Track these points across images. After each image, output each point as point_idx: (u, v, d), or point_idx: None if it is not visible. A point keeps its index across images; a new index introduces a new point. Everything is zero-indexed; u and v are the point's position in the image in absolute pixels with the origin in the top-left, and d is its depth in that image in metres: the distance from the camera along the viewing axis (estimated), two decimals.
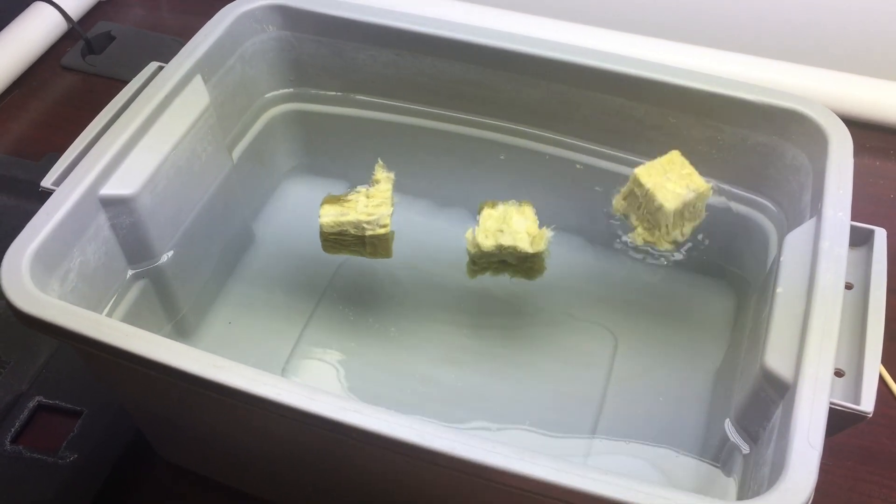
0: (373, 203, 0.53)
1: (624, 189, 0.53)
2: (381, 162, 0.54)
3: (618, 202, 0.54)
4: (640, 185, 0.52)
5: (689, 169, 0.51)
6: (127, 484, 0.53)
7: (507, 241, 0.51)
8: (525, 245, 0.51)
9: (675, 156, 0.52)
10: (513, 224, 0.52)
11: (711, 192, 0.51)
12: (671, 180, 0.51)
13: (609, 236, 0.61)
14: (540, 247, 0.51)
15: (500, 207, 0.53)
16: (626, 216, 0.54)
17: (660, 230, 0.51)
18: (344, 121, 0.62)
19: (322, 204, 0.52)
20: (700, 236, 0.56)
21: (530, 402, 0.54)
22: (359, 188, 0.53)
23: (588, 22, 0.80)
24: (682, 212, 0.51)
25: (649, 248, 0.53)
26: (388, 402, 0.53)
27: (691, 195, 0.50)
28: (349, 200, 0.53)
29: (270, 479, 0.50)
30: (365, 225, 0.52)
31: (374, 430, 0.35)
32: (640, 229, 0.52)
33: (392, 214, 0.53)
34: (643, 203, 0.52)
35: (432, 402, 0.54)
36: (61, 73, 0.82)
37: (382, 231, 0.52)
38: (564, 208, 0.61)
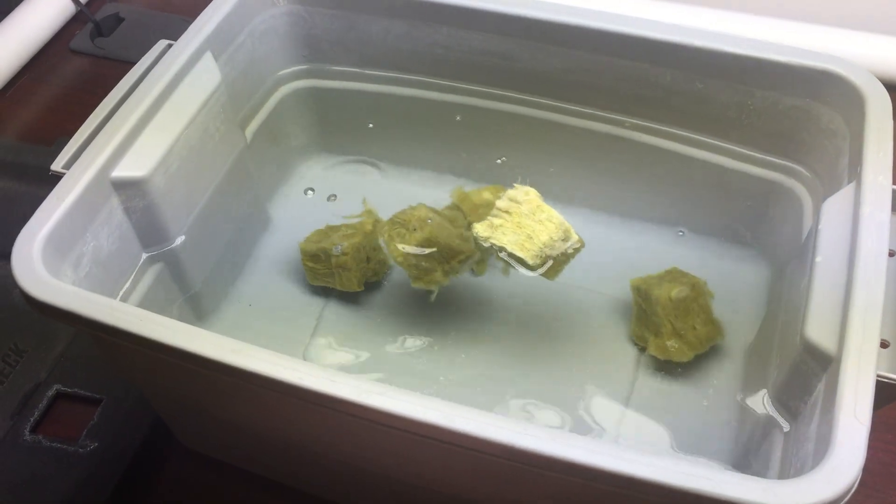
0: (349, 232, 0.53)
1: (633, 312, 0.53)
2: (365, 199, 0.55)
3: (632, 327, 0.53)
4: (636, 289, 0.52)
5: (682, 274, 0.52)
6: (148, 471, 0.52)
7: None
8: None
9: (672, 269, 0.52)
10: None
11: (708, 289, 0.51)
12: (665, 280, 0.51)
13: (635, 209, 0.59)
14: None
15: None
16: (643, 338, 0.53)
17: (664, 327, 0.50)
18: (359, 96, 0.60)
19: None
20: (730, 204, 0.54)
21: (559, 382, 0.52)
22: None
23: None
24: (684, 306, 0.50)
25: (671, 361, 0.51)
26: (409, 386, 0.53)
27: (685, 289, 0.50)
28: (336, 229, 0.54)
29: (294, 465, 0.49)
30: (332, 249, 0.52)
31: (399, 413, 0.33)
32: (652, 339, 0.51)
33: (366, 246, 0.54)
34: (647, 309, 0.51)
35: (455, 386, 0.53)
36: (70, 57, 0.81)
37: (344, 258, 0.52)
38: (589, 181, 0.59)
